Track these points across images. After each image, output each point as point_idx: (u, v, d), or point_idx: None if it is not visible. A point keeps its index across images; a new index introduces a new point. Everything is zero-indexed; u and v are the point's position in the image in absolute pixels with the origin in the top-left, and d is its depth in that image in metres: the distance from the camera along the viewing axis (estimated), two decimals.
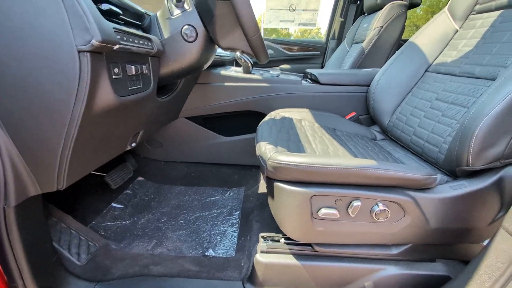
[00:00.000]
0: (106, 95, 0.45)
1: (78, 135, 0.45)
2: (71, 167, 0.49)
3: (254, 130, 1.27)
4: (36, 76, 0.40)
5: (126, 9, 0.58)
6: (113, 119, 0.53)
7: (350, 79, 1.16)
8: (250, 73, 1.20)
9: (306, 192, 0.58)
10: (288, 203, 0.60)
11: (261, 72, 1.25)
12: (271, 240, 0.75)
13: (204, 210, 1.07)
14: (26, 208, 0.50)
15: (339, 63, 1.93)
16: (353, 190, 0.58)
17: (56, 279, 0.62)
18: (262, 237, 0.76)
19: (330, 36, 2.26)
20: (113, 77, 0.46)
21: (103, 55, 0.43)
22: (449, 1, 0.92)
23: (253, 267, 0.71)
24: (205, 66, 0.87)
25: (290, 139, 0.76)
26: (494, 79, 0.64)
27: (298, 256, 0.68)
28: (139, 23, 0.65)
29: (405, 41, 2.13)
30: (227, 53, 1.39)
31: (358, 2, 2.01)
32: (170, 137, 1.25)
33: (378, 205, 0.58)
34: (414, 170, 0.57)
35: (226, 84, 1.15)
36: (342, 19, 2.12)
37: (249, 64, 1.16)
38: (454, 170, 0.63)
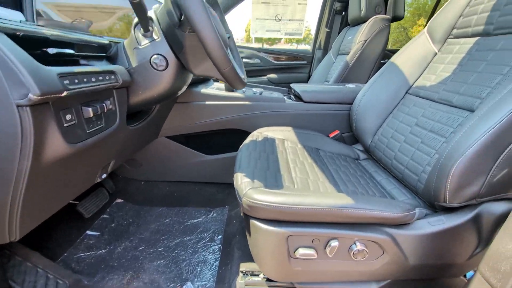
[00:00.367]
0: (56, 146, 0.41)
1: (27, 189, 0.41)
2: (23, 219, 0.45)
3: (238, 148, 1.25)
4: None
5: (85, 44, 0.54)
6: (71, 164, 0.49)
7: (333, 96, 1.15)
8: (232, 90, 1.17)
9: (282, 232, 0.55)
10: (264, 242, 0.58)
11: (243, 89, 1.23)
12: (250, 275, 0.72)
13: (185, 235, 1.03)
14: None
15: (325, 73, 1.93)
16: (330, 230, 0.56)
17: None
18: (242, 271, 0.73)
19: (317, 46, 2.26)
20: (65, 125, 0.42)
21: (50, 105, 0.39)
22: (428, 23, 0.93)
23: None
24: (181, 92, 0.84)
25: (269, 167, 0.74)
26: (470, 110, 0.63)
27: None
28: (103, 53, 0.61)
29: (391, 51, 2.15)
30: None
31: (343, 13, 2.01)
32: (150, 156, 1.20)
33: (356, 244, 0.56)
34: (392, 208, 0.56)
35: (207, 103, 1.11)
36: (328, 30, 2.12)
37: None
38: (433, 203, 0.62)
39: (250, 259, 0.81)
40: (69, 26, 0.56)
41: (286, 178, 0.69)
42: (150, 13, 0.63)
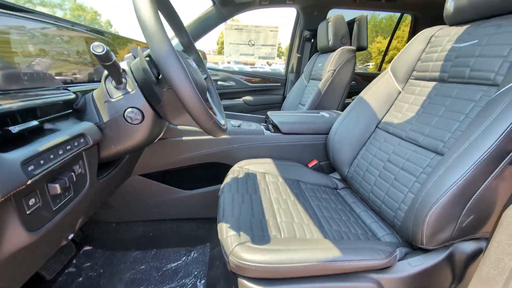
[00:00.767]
0: (16, 238, 0.36)
1: None
2: None
3: (218, 181, 1.21)
4: None
5: (47, 107, 0.49)
6: (34, 244, 0.43)
7: (309, 127, 1.19)
8: None
9: None
10: None
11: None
12: None
13: (165, 283, 0.95)
14: None
15: (299, 96, 2.01)
16: (321, 283, 0.56)
17: None
18: None
19: (289, 69, 2.36)
20: (28, 212, 0.37)
21: (10, 196, 0.34)
22: (391, 62, 1.01)
23: None
24: (157, 139, 0.80)
25: (254, 214, 0.73)
26: (436, 152, 0.69)
27: None
28: (70, 110, 0.56)
29: (357, 74, 2.31)
30: None
31: (312, 40, 2.14)
32: (122, 197, 1.11)
33: None
34: (376, 255, 0.58)
35: (184, 138, 1.08)
36: (299, 55, 2.23)
37: None
38: (411, 242, 0.65)
39: None
40: (29, 78, 0.50)
41: (272, 225, 0.68)
42: (123, 65, 0.60)
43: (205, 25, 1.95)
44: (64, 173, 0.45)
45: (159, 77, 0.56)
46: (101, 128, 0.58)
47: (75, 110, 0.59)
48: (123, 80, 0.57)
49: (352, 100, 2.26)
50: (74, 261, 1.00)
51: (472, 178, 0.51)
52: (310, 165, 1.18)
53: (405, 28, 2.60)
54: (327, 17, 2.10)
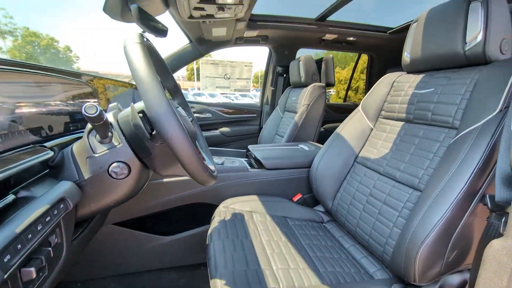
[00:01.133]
0: None
1: None
2: None
3: (201, 223, 1.15)
4: None
5: (22, 173, 0.43)
6: None
7: (292, 161, 1.22)
8: None
9: None
10: None
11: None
12: None
13: None
14: None
15: (275, 126, 2.08)
16: None
17: None
18: None
19: (264, 101, 2.46)
20: None
21: None
22: (361, 101, 1.12)
23: None
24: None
25: (248, 263, 0.69)
26: (413, 187, 0.75)
27: None
28: (46, 170, 0.50)
29: (328, 106, 2.48)
30: None
31: (285, 75, 2.29)
32: (91, 250, 0.98)
33: None
34: None
35: (165, 180, 1.02)
36: (273, 88, 2.35)
37: None
38: (402, 278, 0.67)
39: None
40: None
41: (269, 276, 0.66)
42: (109, 116, 0.57)
43: (182, 59, 1.98)
44: (39, 250, 0.39)
45: (153, 133, 0.54)
46: (80, 186, 0.53)
47: (50, 167, 0.53)
48: (109, 133, 0.54)
49: (324, 129, 2.40)
50: None
51: (452, 216, 0.56)
52: (295, 199, 1.19)
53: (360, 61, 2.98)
54: (296, 55, 2.30)
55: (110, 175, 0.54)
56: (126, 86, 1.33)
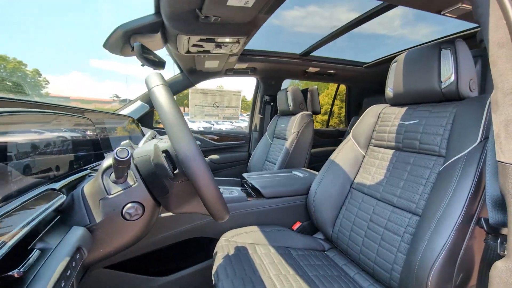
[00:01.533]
0: None
1: None
2: None
3: (200, 259, 1.09)
4: None
5: (39, 224, 0.40)
6: None
7: (290, 189, 1.23)
8: None
9: None
10: None
11: None
12: None
13: None
14: None
15: (265, 153, 2.12)
16: None
17: None
18: None
19: (253, 128, 2.53)
20: None
21: None
22: (352, 130, 1.20)
23: None
24: None
25: None
26: (411, 212, 0.80)
27: None
28: (57, 217, 0.47)
29: (316, 132, 2.59)
30: None
31: (272, 104, 2.40)
32: None
33: None
34: None
35: (163, 215, 0.98)
36: (261, 116, 2.44)
37: None
38: None
39: None
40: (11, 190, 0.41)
41: None
42: None
43: (173, 89, 2.01)
44: None
45: (175, 172, 0.53)
46: (91, 230, 0.50)
47: (59, 211, 0.49)
48: (125, 173, 0.53)
49: (311, 154, 2.46)
50: None
51: (455, 240, 0.61)
52: (295, 227, 1.19)
53: (332, 87, 3.23)
54: (281, 85, 2.44)
55: (124, 217, 0.52)
56: (114, 118, 1.32)
